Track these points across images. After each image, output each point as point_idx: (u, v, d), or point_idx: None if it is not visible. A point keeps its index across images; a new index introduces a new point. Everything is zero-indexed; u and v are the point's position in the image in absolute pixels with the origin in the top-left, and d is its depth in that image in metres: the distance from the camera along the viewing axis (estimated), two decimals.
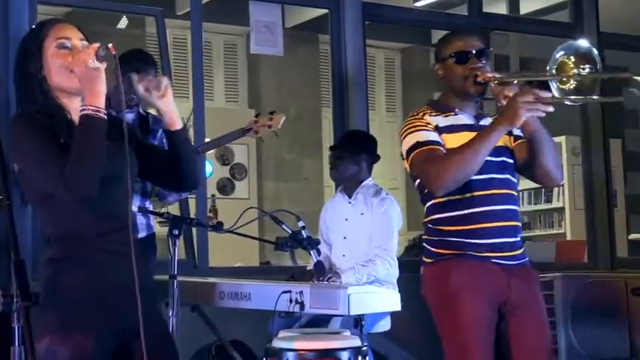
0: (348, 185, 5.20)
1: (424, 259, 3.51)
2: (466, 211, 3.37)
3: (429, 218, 3.49)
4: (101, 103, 2.57)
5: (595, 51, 3.18)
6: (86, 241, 2.66)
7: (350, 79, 6.49)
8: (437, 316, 3.43)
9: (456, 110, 3.45)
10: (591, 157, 7.43)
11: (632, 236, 9.12)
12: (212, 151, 9.17)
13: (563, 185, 9.20)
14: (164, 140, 2.89)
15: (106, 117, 2.58)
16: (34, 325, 2.54)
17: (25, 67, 2.70)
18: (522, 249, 3.47)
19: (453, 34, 3.56)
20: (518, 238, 3.45)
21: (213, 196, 8.58)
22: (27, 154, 2.65)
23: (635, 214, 10.51)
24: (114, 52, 2.57)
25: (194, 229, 5.72)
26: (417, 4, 8.58)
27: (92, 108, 2.56)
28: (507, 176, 3.43)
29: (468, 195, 3.35)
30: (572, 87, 3.18)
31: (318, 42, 9.69)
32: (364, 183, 5.16)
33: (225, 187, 9.62)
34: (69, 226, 2.67)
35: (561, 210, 9.90)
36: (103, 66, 2.58)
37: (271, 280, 4.54)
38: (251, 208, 3.87)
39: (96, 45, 2.61)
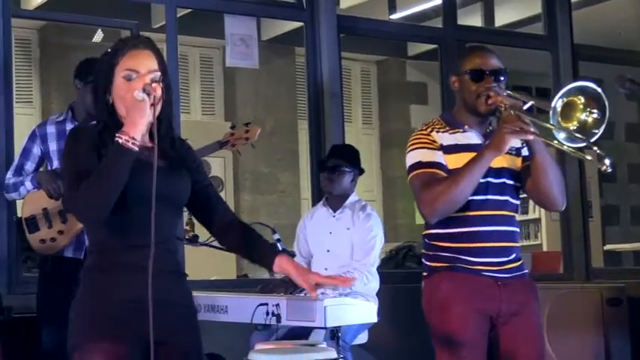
0: (335, 199, 5.19)
1: (423, 273, 3.54)
2: (460, 230, 3.40)
3: (426, 232, 3.52)
4: (137, 134, 2.61)
5: (604, 98, 3.15)
6: (114, 254, 2.71)
7: (326, 91, 6.50)
8: (430, 326, 3.46)
9: (465, 127, 3.47)
10: (566, 168, 7.46)
11: (608, 247, 9.17)
12: None
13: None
14: None
15: (137, 149, 2.61)
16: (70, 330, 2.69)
17: (97, 88, 2.79)
18: (519, 262, 3.48)
19: (473, 50, 3.60)
20: (512, 257, 3.45)
21: None
22: (64, 169, 2.80)
23: (611, 224, 10.59)
24: (153, 94, 2.63)
25: None
26: (393, 16, 8.61)
27: (126, 137, 2.60)
28: (506, 198, 3.45)
29: (463, 214, 3.37)
30: (574, 127, 3.15)
31: (294, 54, 9.70)
32: (351, 198, 5.17)
33: None
34: (98, 238, 2.75)
35: (537, 221, 9.94)
36: (148, 99, 2.63)
37: (248, 293, 4.53)
38: None
39: (148, 78, 2.66)
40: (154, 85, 2.64)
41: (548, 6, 7.67)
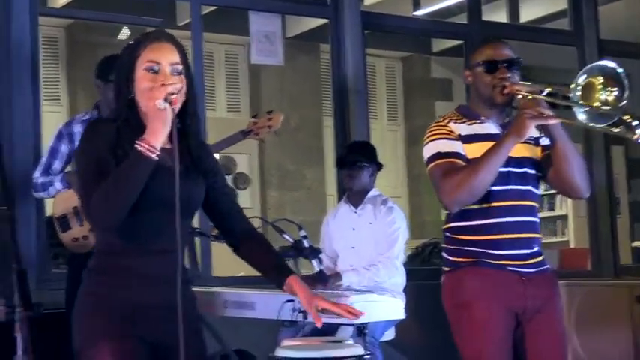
0: (356, 195, 5.20)
1: (443, 268, 3.51)
2: (483, 222, 3.37)
3: (448, 226, 3.48)
4: (157, 143, 2.56)
5: (623, 75, 3.09)
6: (122, 257, 2.68)
7: (351, 88, 6.50)
8: (453, 323, 3.42)
9: (482, 118, 3.45)
10: (593, 165, 7.42)
11: (636, 243, 9.12)
12: None
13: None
14: None
15: (157, 158, 2.57)
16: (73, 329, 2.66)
17: (118, 81, 2.72)
18: (541, 256, 3.45)
19: (485, 42, 3.56)
20: (535, 249, 3.42)
21: None
22: (81, 165, 2.71)
23: (639, 221, 10.51)
24: (173, 107, 2.58)
25: (197, 239, 5.72)
26: (417, 12, 8.60)
27: (146, 146, 2.55)
28: (528, 188, 3.41)
29: (486, 205, 3.34)
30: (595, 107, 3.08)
31: (319, 51, 9.71)
32: (371, 193, 5.18)
33: None
34: (106, 240, 2.70)
35: (564, 218, 9.91)
36: (170, 107, 2.58)
37: (275, 289, 4.53)
38: (252, 217, 3.86)
39: (170, 87, 2.60)
40: (173, 97, 2.58)
41: (574, 1, 7.62)
